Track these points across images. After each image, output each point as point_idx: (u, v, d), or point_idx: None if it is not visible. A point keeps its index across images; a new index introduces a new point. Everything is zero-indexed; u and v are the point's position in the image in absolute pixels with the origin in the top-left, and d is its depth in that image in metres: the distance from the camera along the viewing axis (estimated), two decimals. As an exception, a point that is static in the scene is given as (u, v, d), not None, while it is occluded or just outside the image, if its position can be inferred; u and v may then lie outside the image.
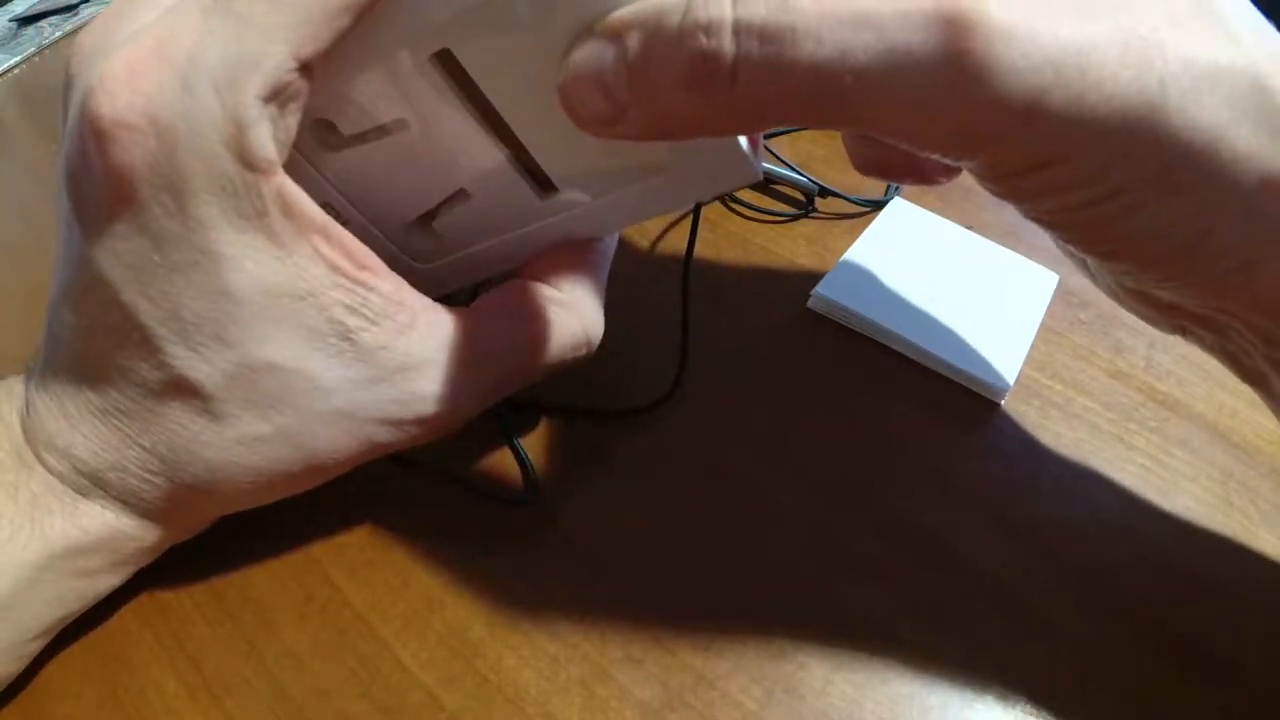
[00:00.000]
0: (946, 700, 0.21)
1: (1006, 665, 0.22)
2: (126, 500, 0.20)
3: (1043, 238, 0.34)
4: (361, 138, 0.21)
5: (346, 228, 0.20)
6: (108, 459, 0.20)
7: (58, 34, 0.47)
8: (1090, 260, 0.20)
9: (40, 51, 0.44)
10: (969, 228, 0.34)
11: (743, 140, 0.20)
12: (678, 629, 0.22)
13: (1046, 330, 0.30)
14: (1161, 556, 0.24)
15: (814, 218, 0.35)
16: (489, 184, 0.22)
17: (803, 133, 0.40)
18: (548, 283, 0.23)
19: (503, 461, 0.26)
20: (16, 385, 0.21)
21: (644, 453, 0.27)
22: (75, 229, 0.18)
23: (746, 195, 0.36)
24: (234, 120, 0.17)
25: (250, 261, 0.18)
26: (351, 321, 0.19)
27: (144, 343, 0.18)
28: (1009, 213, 0.38)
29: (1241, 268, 0.16)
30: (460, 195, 0.22)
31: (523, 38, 0.18)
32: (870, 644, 0.22)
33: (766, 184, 0.37)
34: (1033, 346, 0.29)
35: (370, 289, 0.20)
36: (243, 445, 0.20)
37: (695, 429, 0.27)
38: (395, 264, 0.22)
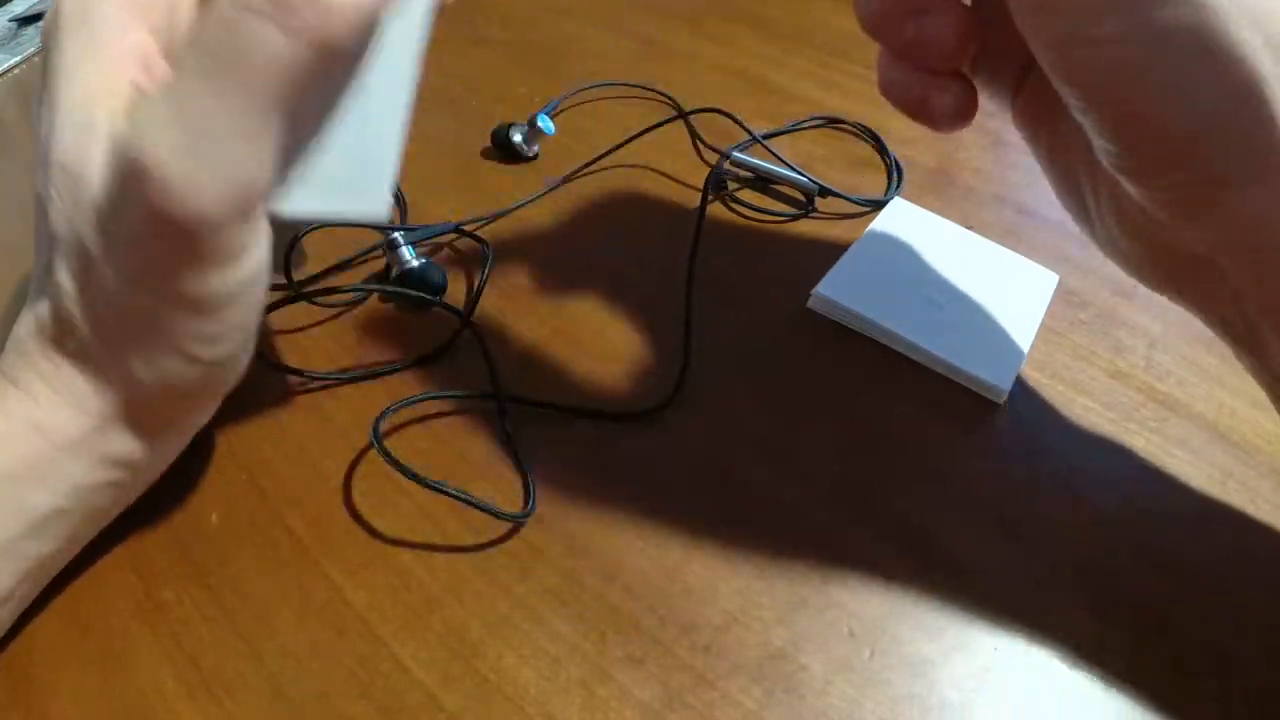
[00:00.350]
0: (946, 700, 0.21)
1: (1006, 664, 0.22)
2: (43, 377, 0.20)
3: (1043, 237, 0.34)
4: None
5: None
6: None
7: (57, 34, 0.47)
8: (1096, 136, 0.19)
9: (40, 51, 0.44)
10: (969, 227, 0.34)
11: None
12: (678, 629, 0.22)
13: (1046, 330, 0.30)
14: (1161, 556, 0.24)
15: (814, 218, 0.35)
16: None
17: (803, 133, 0.40)
18: None
19: (502, 462, 0.26)
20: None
21: (643, 452, 0.27)
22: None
23: (746, 195, 0.36)
24: None
25: None
26: None
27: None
28: (1009, 213, 0.38)
29: (1235, 184, 0.17)
30: None
31: None
32: (870, 644, 0.22)
33: (766, 184, 0.37)
34: (1033, 346, 0.29)
35: None
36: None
37: (695, 429, 0.27)
38: None
